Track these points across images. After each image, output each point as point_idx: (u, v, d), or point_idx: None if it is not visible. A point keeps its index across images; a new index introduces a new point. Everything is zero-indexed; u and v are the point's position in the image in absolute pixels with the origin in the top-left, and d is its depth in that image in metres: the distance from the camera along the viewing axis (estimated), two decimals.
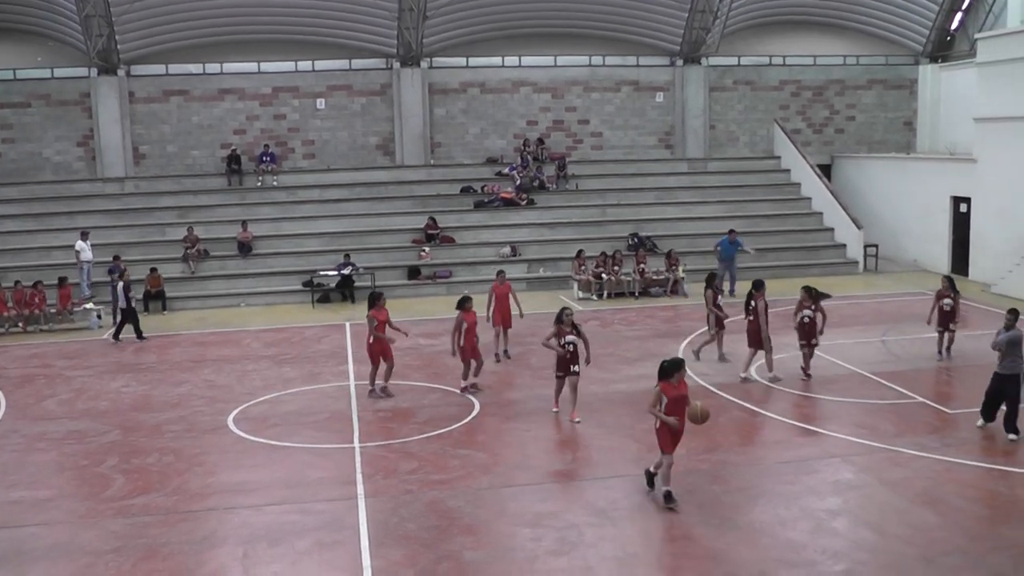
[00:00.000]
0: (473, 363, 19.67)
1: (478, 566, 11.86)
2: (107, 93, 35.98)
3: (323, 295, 31.27)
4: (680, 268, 31.40)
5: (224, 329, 27.25)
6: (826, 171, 39.93)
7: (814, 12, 41.57)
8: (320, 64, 37.84)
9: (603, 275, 30.97)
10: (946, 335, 21.43)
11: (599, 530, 12.84)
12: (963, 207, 33.67)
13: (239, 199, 35.67)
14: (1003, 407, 16.30)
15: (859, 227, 35.32)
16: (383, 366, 19.42)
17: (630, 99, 40.04)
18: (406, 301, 30.06)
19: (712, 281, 22.19)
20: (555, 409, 17.92)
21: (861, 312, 27.21)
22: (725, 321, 21.97)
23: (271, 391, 20.35)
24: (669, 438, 13.42)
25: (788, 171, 39.34)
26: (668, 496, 13.37)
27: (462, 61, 38.86)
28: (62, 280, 28.37)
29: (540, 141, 38.87)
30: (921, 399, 18.59)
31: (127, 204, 34.98)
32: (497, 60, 39.05)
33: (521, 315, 22.90)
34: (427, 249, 33.55)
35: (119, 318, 26.27)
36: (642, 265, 31.56)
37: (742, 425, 17.40)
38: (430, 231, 34.13)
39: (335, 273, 31.37)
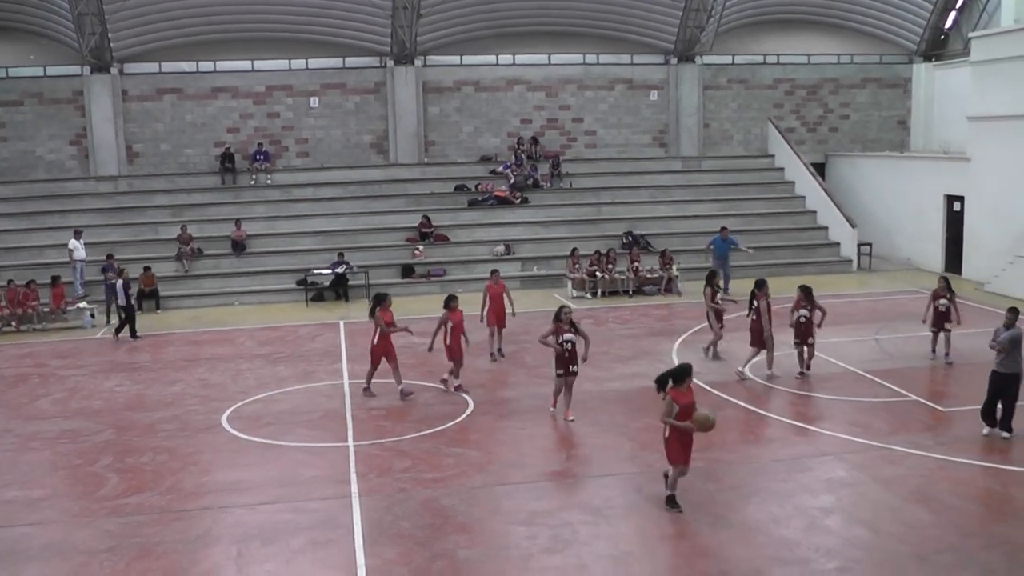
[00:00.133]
0: (455, 364, 19.68)
1: (472, 564, 11.87)
2: (100, 91, 35.91)
3: (317, 294, 31.25)
4: (674, 267, 31.41)
5: (218, 328, 27.21)
6: (820, 170, 39.96)
7: (808, 11, 41.61)
8: (314, 62, 37.81)
9: (597, 273, 30.98)
10: (941, 335, 21.41)
11: (593, 528, 12.85)
12: (956, 206, 33.72)
13: (233, 198, 35.62)
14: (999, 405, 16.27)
15: (853, 226, 35.36)
16: (383, 366, 19.35)
17: (624, 97, 40.04)
18: (400, 300, 29.92)
19: (712, 279, 22.17)
20: (552, 408, 17.83)
21: (855, 311, 27.24)
22: (724, 318, 21.99)
23: (265, 390, 20.33)
24: (680, 449, 13.24)
25: (782, 170, 39.38)
26: (671, 500, 13.32)
27: (456, 59, 38.84)
28: (55, 279, 28.29)
29: (534, 139, 38.87)
30: (915, 397, 18.62)
31: (120, 203, 34.91)
32: (491, 58, 39.03)
33: (513, 314, 22.92)
34: (421, 248, 33.54)
35: (121, 315, 26.27)
36: (636, 264, 31.58)
37: (736, 423, 17.41)
38: (424, 229, 34.11)
39: (329, 272, 31.34)
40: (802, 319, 19.93)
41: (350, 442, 16.68)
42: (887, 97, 42.40)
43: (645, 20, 39.43)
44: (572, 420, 17.41)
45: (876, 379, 19.99)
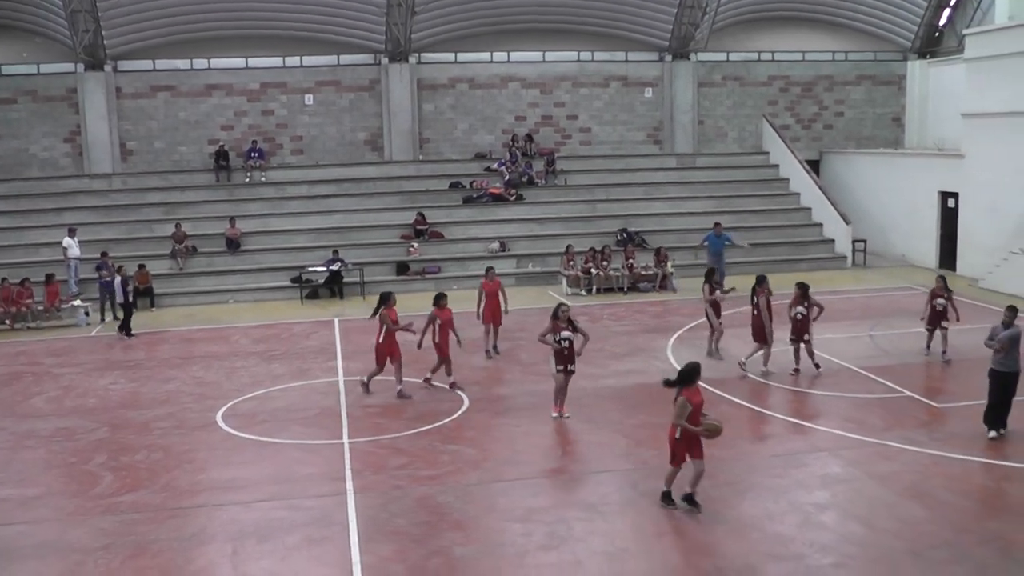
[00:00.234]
0: (438, 360, 19.67)
1: (468, 561, 11.87)
2: (94, 89, 35.84)
3: (312, 291, 31.22)
4: (669, 263, 31.42)
5: (212, 325, 27.17)
6: (815, 167, 39.97)
7: (803, 8, 41.64)
8: (308, 60, 37.77)
9: (592, 270, 30.98)
10: (937, 333, 21.38)
11: (589, 525, 12.86)
12: (951, 202, 33.78)
13: (227, 195, 35.59)
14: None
15: (847, 222, 35.40)
16: (386, 365, 19.31)
17: (619, 94, 40.04)
18: (395, 297, 29.95)
19: (710, 276, 22.14)
20: (554, 414, 17.57)
21: (849, 307, 27.27)
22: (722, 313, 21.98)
23: (260, 387, 20.31)
24: (686, 450, 13.06)
25: (777, 167, 39.39)
26: (667, 497, 13.30)
27: (450, 56, 38.81)
28: (49, 277, 28.23)
29: (529, 137, 38.86)
30: (909, 393, 18.65)
31: (114, 200, 34.83)
32: (486, 56, 39.00)
33: (506, 311, 22.90)
34: (416, 245, 33.52)
35: (115, 313, 26.22)
36: (631, 260, 31.58)
37: (731, 420, 17.32)
38: (419, 227, 34.10)
39: (324, 269, 31.32)
40: (799, 316, 19.94)
41: (345, 439, 16.67)
42: (882, 94, 42.45)
43: (640, 17, 39.44)
44: (567, 417, 17.36)
45: (871, 375, 20.02)
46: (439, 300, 19.63)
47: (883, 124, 42.58)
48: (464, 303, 25.15)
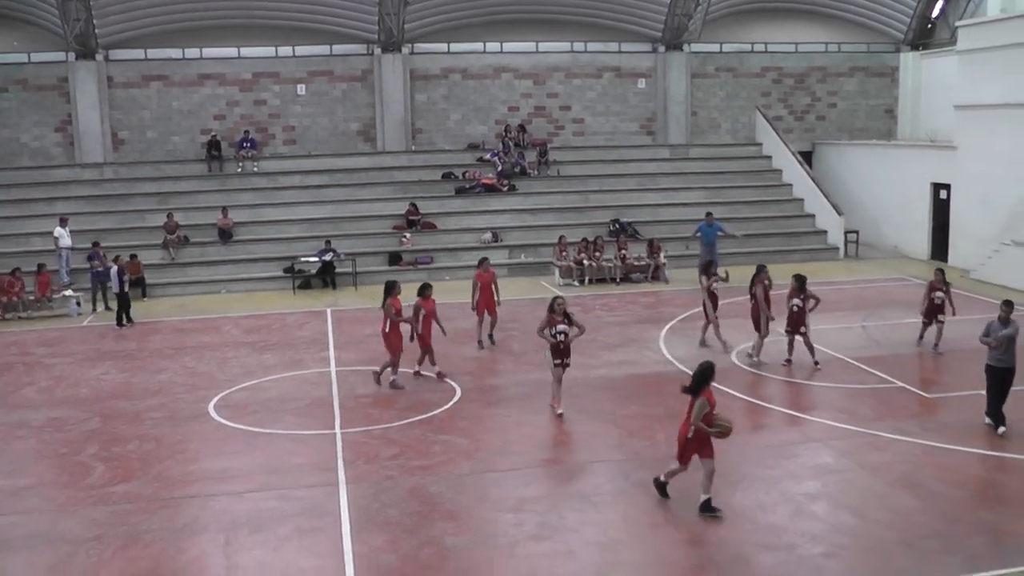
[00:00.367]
0: (420, 351, 19.67)
1: (460, 551, 11.87)
2: (85, 78, 35.72)
3: (304, 281, 31.19)
4: (662, 254, 31.44)
5: (204, 316, 27.13)
6: (807, 158, 40.03)
7: None
8: (301, 50, 37.67)
9: (584, 261, 30.98)
10: (932, 326, 21.33)
11: (581, 515, 12.88)
12: (943, 194, 33.83)
13: (219, 185, 35.49)
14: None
15: (840, 213, 35.45)
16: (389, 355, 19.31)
17: (612, 85, 40.01)
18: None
19: (708, 268, 22.13)
20: (552, 404, 17.41)
21: (842, 298, 27.30)
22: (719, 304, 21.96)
23: (252, 378, 20.28)
24: (696, 450, 12.82)
25: (769, 158, 39.43)
26: (662, 487, 13.32)
27: (443, 47, 38.74)
28: (41, 267, 28.17)
29: (521, 127, 38.82)
30: (901, 384, 18.68)
31: (106, 190, 34.75)
32: (479, 46, 38.95)
33: (498, 302, 22.87)
34: (408, 235, 33.49)
35: (106, 303, 26.20)
36: (624, 251, 31.60)
37: (722, 410, 17.35)
38: (411, 217, 34.06)
39: (316, 259, 31.27)
40: (795, 308, 19.91)
41: (337, 430, 16.66)
42: (874, 86, 42.47)
43: (633, 8, 39.37)
44: (560, 413, 17.12)
45: (863, 366, 20.06)
46: (424, 291, 19.60)
47: (876, 115, 42.62)
48: (457, 293, 25.18)
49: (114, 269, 26.20)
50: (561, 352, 17.10)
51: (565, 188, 36.68)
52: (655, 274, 31.17)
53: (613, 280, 30.98)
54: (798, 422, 16.78)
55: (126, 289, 26.28)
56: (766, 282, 20.46)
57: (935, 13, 41.17)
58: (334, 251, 31.43)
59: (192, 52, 36.92)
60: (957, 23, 35.62)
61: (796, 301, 19.87)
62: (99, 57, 35.87)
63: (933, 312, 21.08)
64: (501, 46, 39.06)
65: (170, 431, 16.85)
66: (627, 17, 39.64)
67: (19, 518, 13.19)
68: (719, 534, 12.18)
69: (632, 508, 13.12)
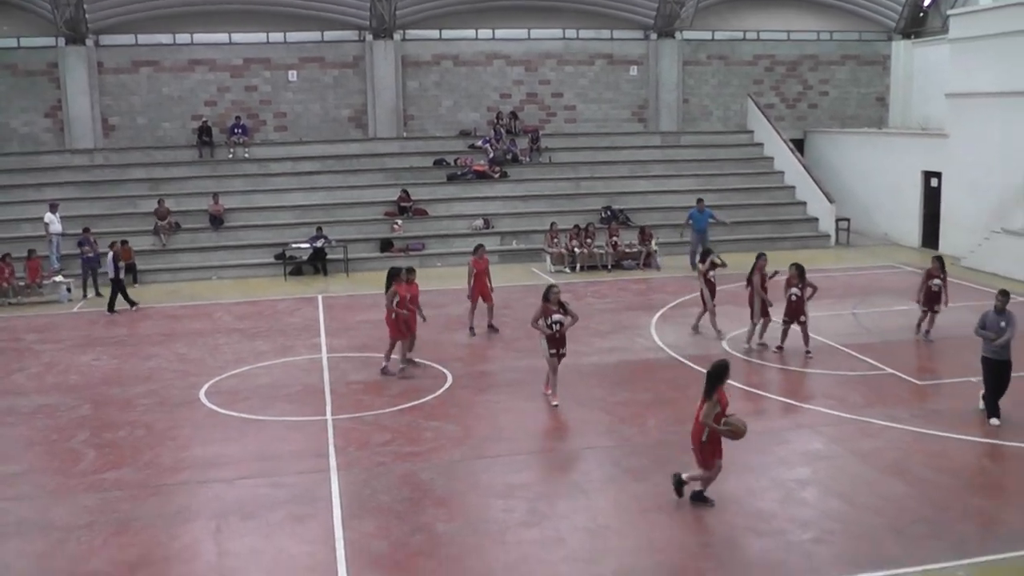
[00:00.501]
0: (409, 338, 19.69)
1: (450, 538, 11.89)
2: (75, 63, 35.53)
3: (295, 268, 31.14)
4: (653, 241, 31.46)
5: (196, 302, 27.09)
6: (799, 146, 40.05)
7: None
8: (292, 36, 37.54)
9: (576, 248, 30.98)
10: (929, 315, 21.29)
11: (571, 501, 12.90)
12: (934, 182, 33.89)
13: (210, 171, 35.39)
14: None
15: (831, 201, 35.49)
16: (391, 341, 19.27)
17: (604, 72, 39.96)
18: (379, 274, 29.84)
19: (707, 256, 22.10)
20: (555, 402, 17.11)
21: (832, 285, 27.31)
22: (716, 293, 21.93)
23: (243, 364, 20.26)
24: (712, 453, 12.50)
25: (761, 145, 39.44)
26: (700, 496, 12.71)
27: (435, 33, 38.64)
28: (31, 253, 28.08)
29: (513, 114, 38.76)
30: (891, 371, 18.73)
31: (97, 176, 34.63)
32: (471, 32, 38.86)
33: (491, 289, 22.85)
34: (400, 222, 33.45)
35: (107, 289, 26.24)
36: (615, 238, 31.61)
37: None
38: (403, 204, 34.01)
39: (307, 246, 31.22)
40: (793, 297, 19.90)
41: (328, 416, 16.66)
42: (866, 74, 42.49)
43: None
44: (556, 405, 16.96)
45: (853, 353, 20.11)
46: (408, 276, 19.52)
47: (867, 104, 42.65)
48: (450, 280, 25.20)
49: (109, 255, 26.14)
50: (557, 342, 16.92)
51: (557, 175, 36.66)
52: (646, 261, 31.20)
53: (604, 267, 31.00)
54: (789, 409, 16.83)
55: (121, 275, 26.22)
56: (764, 271, 20.42)
57: (927, 2, 41.24)
58: (325, 238, 31.38)
59: (183, 37, 36.76)
60: (949, 11, 35.64)
61: (794, 290, 19.85)
62: (89, 42, 35.69)
63: (931, 300, 20.95)
64: (493, 33, 38.98)
65: (161, 418, 16.83)
66: (619, 4, 39.58)
67: (9, 505, 13.16)
68: (709, 520, 12.22)
69: (622, 494, 13.15)
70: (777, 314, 20.46)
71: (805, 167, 37.13)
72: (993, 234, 29.98)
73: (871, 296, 25.98)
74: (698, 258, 23.38)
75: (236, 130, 36.27)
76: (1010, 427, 15.37)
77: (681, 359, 19.87)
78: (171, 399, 17.90)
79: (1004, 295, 15.85)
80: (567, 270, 30.70)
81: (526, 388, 17.96)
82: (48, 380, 19.46)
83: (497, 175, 36.09)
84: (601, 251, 31.28)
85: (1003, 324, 15.44)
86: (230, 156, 36.11)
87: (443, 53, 38.59)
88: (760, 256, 20.73)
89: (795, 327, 20.07)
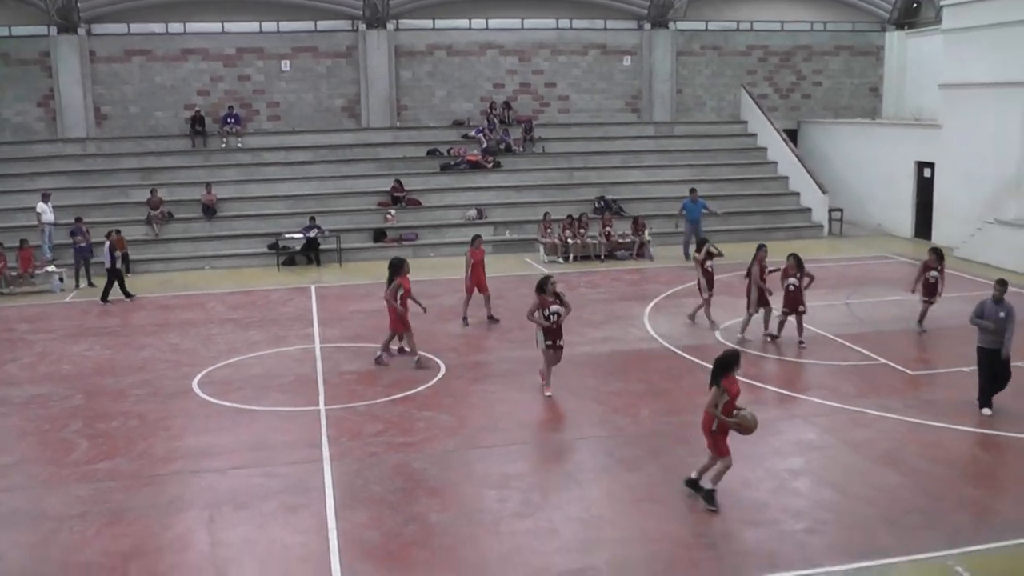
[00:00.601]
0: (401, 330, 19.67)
1: (444, 528, 11.89)
2: (67, 52, 35.40)
3: (288, 258, 31.10)
4: (646, 231, 31.45)
5: (188, 292, 27.03)
6: (792, 136, 40.08)
7: None
8: (285, 25, 37.42)
9: (569, 239, 30.96)
10: (924, 306, 21.20)
11: (564, 492, 12.91)
12: (927, 172, 33.91)
13: (203, 161, 35.29)
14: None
15: (824, 191, 35.51)
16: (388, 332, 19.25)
17: (597, 63, 39.92)
18: (372, 264, 29.90)
19: (703, 245, 22.09)
20: (548, 393, 17.00)
21: (825, 275, 27.29)
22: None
23: (236, 354, 20.23)
24: (726, 439, 12.27)
25: (755, 136, 39.45)
26: (711, 497, 12.27)
27: (428, 23, 38.55)
28: (23, 242, 28.02)
29: (507, 104, 38.72)
30: (884, 361, 18.76)
31: (89, 165, 34.53)
32: (464, 22, 38.77)
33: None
34: (393, 212, 33.40)
35: (99, 279, 26.21)
36: (608, 228, 31.59)
37: (706, 387, 17.42)
38: (396, 194, 33.97)
39: (300, 236, 31.17)
40: (791, 287, 19.89)
41: (321, 406, 16.65)
42: (860, 64, 42.50)
43: None
44: (548, 396, 16.89)
45: (846, 343, 20.13)
46: (400, 267, 19.47)
47: (861, 94, 42.67)
48: (443, 270, 25.18)
49: (106, 245, 26.10)
50: (554, 333, 16.79)
51: (550, 165, 36.64)
52: (640, 251, 31.18)
53: (598, 257, 30.99)
54: (782, 399, 16.83)
55: (118, 265, 26.17)
56: (764, 262, 20.37)
57: None
58: (318, 228, 31.33)
59: (175, 27, 36.62)
60: (942, 2, 35.49)
61: (792, 280, 19.83)
62: (81, 31, 35.55)
63: (930, 292, 20.73)
64: (486, 23, 38.89)
65: (154, 408, 16.80)
66: None
67: (1, 495, 13.12)
68: (702, 510, 12.21)
69: (615, 485, 13.16)
70: (775, 305, 20.46)
71: (798, 157, 37.14)
72: (986, 224, 30.03)
73: (864, 286, 26.01)
74: (692, 248, 23.39)
75: (229, 120, 36.16)
76: (1003, 417, 15.40)
77: (674, 349, 19.88)
78: (164, 389, 17.87)
79: (1003, 284, 15.74)
80: (560, 260, 30.69)
81: (520, 378, 17.95)
82: (41, 370, 19.41)
83: (490, 165, 36.05)
84: (594, 241, 31.26)
85: (1002, 314, 15.39)
86: (223, 146, 36.01)
87: (436, 43, 38.51)
88: (761, 247, 20.65)
89: (791, 317, 20.09)
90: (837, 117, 41.57)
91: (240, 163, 35.36)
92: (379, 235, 32.63)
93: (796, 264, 19.86)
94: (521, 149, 37.18)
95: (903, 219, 35.10)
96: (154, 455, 14.53)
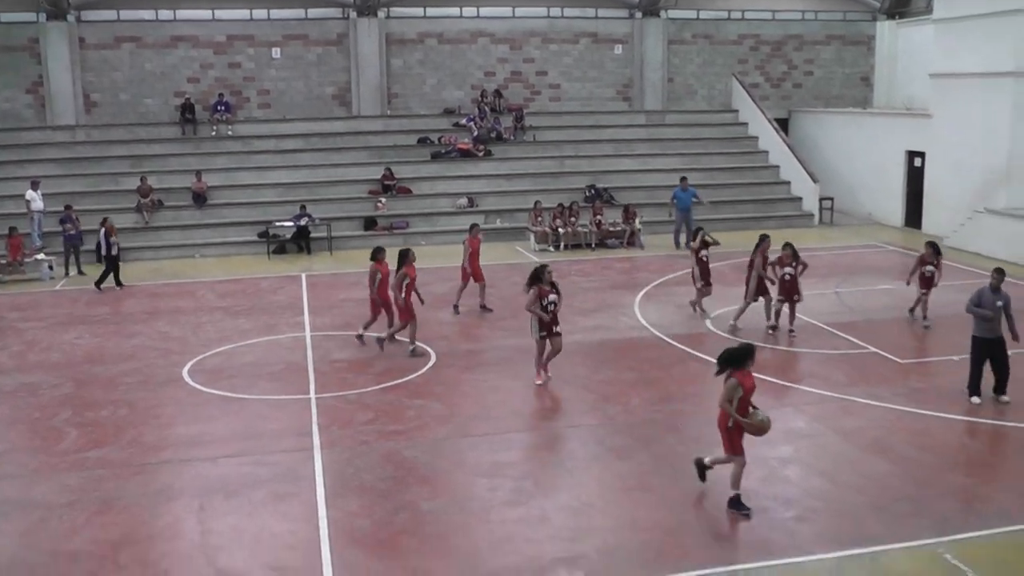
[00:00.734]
0: (371, 315, 19.70)
1: (434, 516, 11.90)
2: (57, 39, 35.22)
3: (279, 246, 31.03)
4: (637, 220, 31.46)
5: (179, 280, 26.98)
6: (783, 125, 40.08)
7: None
8: (275, 12, 37.27)
9: (560, 228, 30.95)
10: (916, 296, 21.16)
11: (555, 480, 12.93)
12: (917, 161, 33.96)
13: (193, 149, 35.18)
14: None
15: (815, 180, 35.54)
16: (392, 321, 19.27)
17: (588, 51, 39.86)
18: (362, 252, 29.77)
19: (698, 234, 22.08)
20: (539, 381, 17.01)
21: (816, 264, 27.26)
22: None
23: (226, 343, 20.20)
24: (742, 439, 11.98)
25: (746, 124, 39.44)
26: (737, 502, 11.88)
27: (419, 11, 38.44)
28: (12, 230, 27.90)
29: (498, 92, 38.66)
30: (874, 349, 18.81)
31: (79, 153, 34.38)
32: (455, 10, 38.67)
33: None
34: (383, 200, 33.35)
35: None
36: (599, 217, 31.58)
37: (696, 376, 17.52)
38: (387, 182, 33.91)
39: (291, 224, 31.11)
40: (787, 276, 19.91)
41: (312, 395, 16.64)
42: (851, 54, 42.52)
43: None
44: (540, 384, 16.87)
45: (836, 331, 20.19)
46: (377, 254, 19.41)
47: (852, 83, 42.70)
48: (436, 258, 25.15)
49: (102, 231, 26.06)
50: (550, 322, 16.69)
51: (541, 154, 36.61)
52: (630, 240, 31.20)
53: (588, 246, 31.00)
54: (772, 387, 16.82)
55: (113, 252, 26.10)
56: (767, 253, 20.36)
57: None
58: (309, 216, 31.27)
59: (165, 14, 36.45)
60: None
61: (788, 270, 19.85)
62: (71, 18, 35.37)
63: (927, 285, 20.59)
64: (478, 11, 38.79)
65: (144, 396, 16.77)
66: None
67: None
68: (692, 498, 12.26)
69: (606, 473, 13.19)
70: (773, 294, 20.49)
71: (789, 147, 37.16)
72: (976, 214, 30.10)
73: (854, 275, 26.07)
74: (686, 237, 23.33)
75: (219, 107, 36.04)
76: (992, 406, 15.46)
77: (665, 338, 19.91)
78: (154, 378, 17.83)
79: (999, 273, 15.72)
80: (551, 249, 30.69)
81: (511, 367, 17.96)
82: (30, 358, 19.36)
83: (481, 153, 36.02)
84: (585, 230, 31.26)
85: (999, 303, 15.41)
86: (213, 133, 35.90)
87: (427, 31, 38.41)
88: (764, 237, 20.60)
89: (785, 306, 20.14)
90: (828, 106, 41.57)
91: (230, 151, 35.25)
92: (370, 223, 32.58)
93: (792, 253, 19.88)
94: (512, 137, 37.14)
95: (893, 208, 35.15)
96: (144, 443, 14.51)
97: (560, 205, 31.63)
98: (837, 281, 25.24)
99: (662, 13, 39.94)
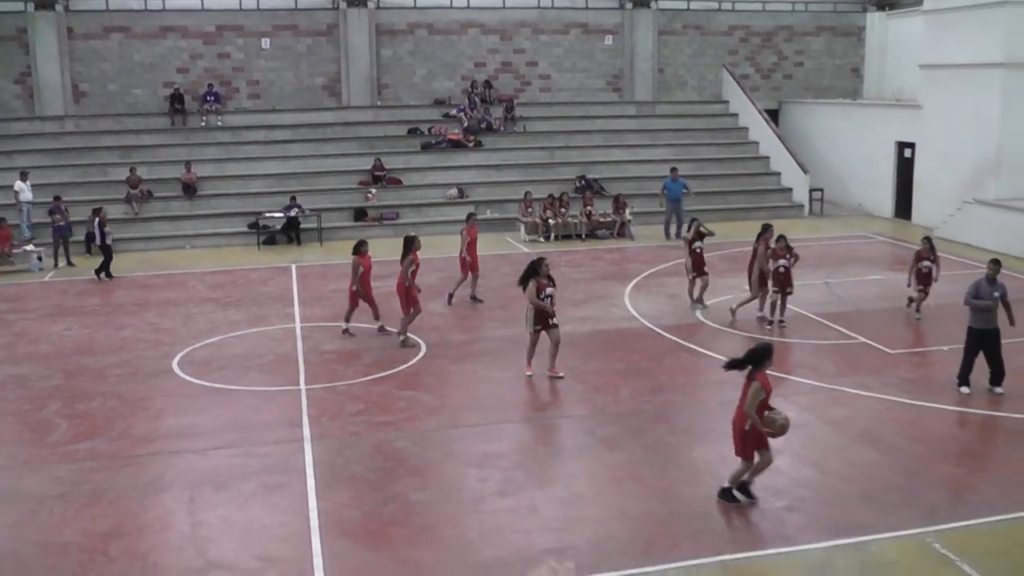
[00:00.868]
0: (348, 307, 19.73)
1: (424, 507, 11.91)
2: (45, 29, 35.02)
3: (269, 237, 30.95)
4: (627, 211, 31.46)
5: (168, 271, 26.89)
6: (774, 116, 40.06)
7: None
8: (265, 3, 37.10)
9: (550, 218, 30.94)
10: (913, 292, 21.12)
11: (545, 471, 12.95)
12: (907, 152, 34.02)
13: (183, 139, 35.06)
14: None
15: (805, 171, 35.57)
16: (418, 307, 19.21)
17: (579, 42, 39.80)
18: (352, 243, 29.72)
19: (692, 225, 22.06)
20: (528, 372, 16.90)
21: (806, 255, 27.23)
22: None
23: (216, 334, 20.16)
24: (755, 444, 11.71)
25: (736, 115, 39.44)
26: (728, 493, 11.88)
27: (410, 1, 38.27)
28: (1, 221, 27.75)
29: (488, 83, 38.59)
30: (863, 340, 18.86)
31: (67, 143, 34.22)
32: (445, 1, 38.54)
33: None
34: (373, 191, 33.29)
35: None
36: (589, 207, 31.56)
37: (687, 366, 17.56)
38: (377, 173, 33.84)
39: (281, 215, 31.05)
40: (781, 268, 19.94)
41: (302, 386, 16.63)
42: (841, 45, 42.53)
43: None
44: (530, 375, 16.83)
45: (826, 322, 20.23)
46: (359, 247, 19.48)
47: (842, 74, 42.72)
48: (425, 249, 25.02)
49: (96, 221, 26.03)
50: (545, 316, 16.55)
51: (531, 144, 36.58)
52: (620, 230, 31.21)
53: (579, 236, 31.00)
54: None
55: (108, 242, 26.05)
56: (770, 242, 20.35)
57: None
58: (299, 207, 31.21)
59: (154, 3, 36.25)
60: None
61: (783, 262, 19.89)
62: (59, 7, 35.14)
63: (924, 281, 20.46)
64: (468, 1, 38.67)
65: (134, 388, 16.74)
66: None
67: None
68: (682, 489, 12.28)
69: (595, 463, 13.20)
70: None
71: (780, 137, 37.20)
72: (965, 204, 30.17)
73: (844, 266, 26.12)
74: (676, 228, 23.30)
75: (208, 98, 35.90)
76: (981, 396, 15.51)
77: (655, 329, 19.93)
78: (144, 369, 17.79)
79: (996, 264, 15.70)
80: (541, 239, 30.68)
81: (501, 358, 17.97)
82: (19, 350, 19.29)
83: (471, 144, 35.97)
84: (575, 220, 31.26)
85: (996, 294, 15.42)
86: (203, 124, 35.75)
87: (417, 21, 38.29)
88: (767, 227, 20.62)
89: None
90: (818, 97, 41.56)
91: (220, 141, 35.14)
92: (360, 214, 32.53)
93: (785, 246, 19.93)
94: (502, 128, 37.08)
95: (883, 199, 35.20)
96: (134, 435, 14.49)
97: (550, 196, 31.63)
98: (827, 272, 25.28)
99: (652, 4, 39.86)
